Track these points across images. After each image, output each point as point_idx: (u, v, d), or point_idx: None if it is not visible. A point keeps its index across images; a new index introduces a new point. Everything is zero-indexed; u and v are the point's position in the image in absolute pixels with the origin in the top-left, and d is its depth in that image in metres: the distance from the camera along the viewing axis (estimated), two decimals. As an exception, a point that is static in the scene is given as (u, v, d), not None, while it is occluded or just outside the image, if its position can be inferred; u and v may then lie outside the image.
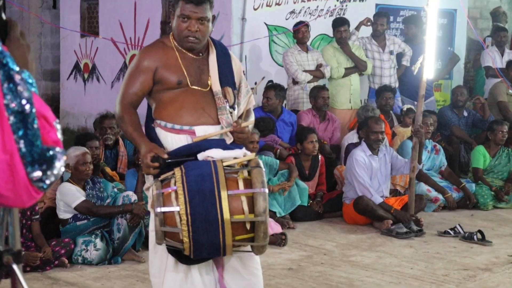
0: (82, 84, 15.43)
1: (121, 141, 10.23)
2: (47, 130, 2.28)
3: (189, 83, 4.95)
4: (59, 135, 2.33)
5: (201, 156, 4.71)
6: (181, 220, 4.43)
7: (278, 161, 10.00)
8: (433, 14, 9.69)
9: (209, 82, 5.02)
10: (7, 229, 2.83)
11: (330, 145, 11.12)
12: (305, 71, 11.64)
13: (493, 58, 13.84)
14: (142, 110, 5.04)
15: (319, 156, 10.46)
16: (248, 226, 4.52)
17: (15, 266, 2.81)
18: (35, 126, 2.24)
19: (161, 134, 4.93)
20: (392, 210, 9.56)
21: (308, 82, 11.65)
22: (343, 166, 10.35)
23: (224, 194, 4.42)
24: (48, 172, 2.27)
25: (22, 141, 2.23)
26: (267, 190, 4.54)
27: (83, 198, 8.07)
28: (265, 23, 12.66)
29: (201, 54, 5.10)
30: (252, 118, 5.26)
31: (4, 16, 2.52)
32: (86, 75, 15.37)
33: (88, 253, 7.74)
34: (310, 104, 11.41)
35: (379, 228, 9.41)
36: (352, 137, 10.96)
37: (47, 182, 2.28)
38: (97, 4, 14.93)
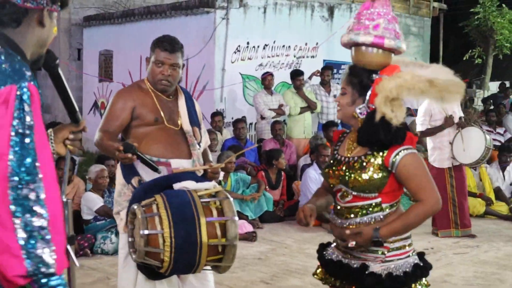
0: (99, 118, 15.35)
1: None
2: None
3: (165, 121, 4.62)
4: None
5: (177, 186, 4.29)
6: (164, 242, 3.96)
7: (250, 177, 10.08)
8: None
9: (179, 121, 4.70)
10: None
11: (288, 165, 11.20)
12: (270, 109, 11.72)
13: (410, 102, 13.98)
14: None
15: (282, 172, 10.56)
16: (220, 248, 4.09)
17: (68, 247, 2.81)
18: (30, 148, 2.18)
19: (138, 165, 4.47)
20: (336, 214, 9.60)
21: (273, 118, 11.73)
22: (299, 182, 10.41)
23: (203, 221, 4.00)
24: (24, 185, 2.14)
25: (15, 154, 2.16)
26: (237, 218, 4.12)
27: (102, 204, 8.10)
28: (239, 73, 12.75)
29: (171, 97, 4.75)
30: (211, 158, 4.98)
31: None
32: (102, 111, 15.33)
33: (105, 245, 7.76)
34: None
35: (326, 228, 9.41)
36: (306, 159, 11.06)
37: (21, 193, 2.13)
38: (112, 56, 14.96)
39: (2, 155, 2.17)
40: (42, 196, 2.18)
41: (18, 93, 2.22)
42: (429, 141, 9.20)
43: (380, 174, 3.33)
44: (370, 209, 3.39)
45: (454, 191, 8.99)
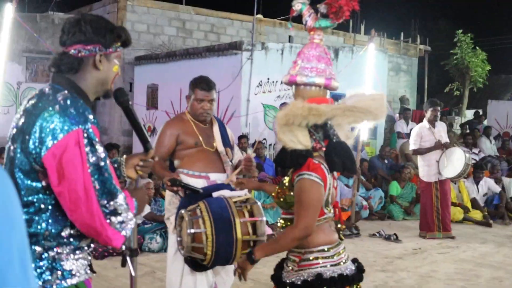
0: (146, 139, 15.41)
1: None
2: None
3: (203, 144, 4.73)
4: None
5: (215, 194, 4.41)
6: (207, 239, 4.07)
7: (269, 188, 10.06)
8: (366, 99, 9.79)
9: (214, 144, 4.78)
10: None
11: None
12: (286, 133, 11.72)
13: (402, 127, 13.95)
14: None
15: (296, 186, 10.51)
16: (251, 243, 4.19)
17: (128, 258, 3.04)
18: (106, 174, 2.31)
19: (183, 178, 4.56)
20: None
21: (288, 140, 11.73)
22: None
23: (237, 221, 4.12)
24: (111, 202, 2.31)
25: (96, 181, 2.29)
26: (265, 219, 4.24)
27: (149, 211, 8.10)
28: (261, 103, 12.73)
29: (207, 125, 4.85)
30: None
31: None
32: (149, 133, 15.33)
33: (152, 244, 7.75)
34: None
35: (332, 231, 9.40)
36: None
37: (110, 208, 2.31)
38: (157, 89, 15.02)
39: (88, 186, 2.29)
40: (122, 201, 2.35)
41: (85, 134, 2.30)
42: (420, 159, 9.29)
43: (287, 192, 3.18)
44: (287, 223, 3.24)
45: (439, 201, 9.03)
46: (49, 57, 14.33)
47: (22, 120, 2.37)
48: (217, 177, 4.69)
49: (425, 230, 9.17)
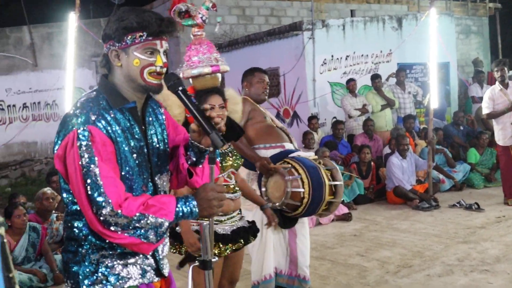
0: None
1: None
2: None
3: (267, 120, 5.12)
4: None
5: (293, 154, 4.90)
6: (303, 183, 4.59)
7: (342, 167, 9.93)
8: (433, 66, 9.50)
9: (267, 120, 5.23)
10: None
11: (376, 156, 10.99)
12: (356, 109, 11.52)
13: (476, 91, 13.48)
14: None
15: (372, 163, 10.31)
16: (333, 188, 4.75)
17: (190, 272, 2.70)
18: (89, 180, 2.20)
19: (261, 152, 4.92)
20: (418, 193, 9.35)
21: (358, 116, 11.53)
22: (384, 168, 10.15)
23: (322, 168, 4.75)
24: (99, 212, 2.18)
25: (89, 186, 2.19)
26: (338, 167, 4.85)
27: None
28: (328, 81, 12.58)
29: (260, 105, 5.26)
30: None
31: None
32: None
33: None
34: (362, 130, 11.32)
35: (410, 206, 9.21)
36: (387, 149, 10.80)
37: (101, 218, 2.19)
38: (223, 79, 15.07)
39: (82, 189, 2.21)
40: (111, 213, 2.20)
41: (79, 135, 2.23)
42: (494, 123, 8.96)
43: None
44: None
45: None
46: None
47: None
48: (289, 147, 5.12)
49: (508, 197, 8.83)
